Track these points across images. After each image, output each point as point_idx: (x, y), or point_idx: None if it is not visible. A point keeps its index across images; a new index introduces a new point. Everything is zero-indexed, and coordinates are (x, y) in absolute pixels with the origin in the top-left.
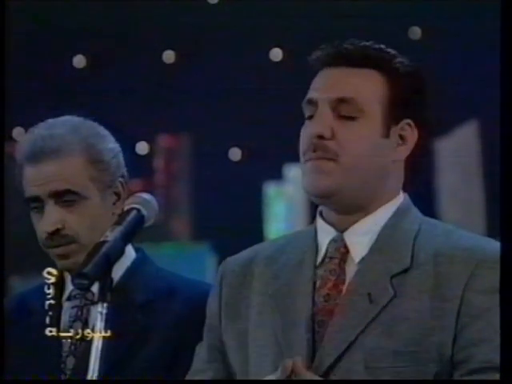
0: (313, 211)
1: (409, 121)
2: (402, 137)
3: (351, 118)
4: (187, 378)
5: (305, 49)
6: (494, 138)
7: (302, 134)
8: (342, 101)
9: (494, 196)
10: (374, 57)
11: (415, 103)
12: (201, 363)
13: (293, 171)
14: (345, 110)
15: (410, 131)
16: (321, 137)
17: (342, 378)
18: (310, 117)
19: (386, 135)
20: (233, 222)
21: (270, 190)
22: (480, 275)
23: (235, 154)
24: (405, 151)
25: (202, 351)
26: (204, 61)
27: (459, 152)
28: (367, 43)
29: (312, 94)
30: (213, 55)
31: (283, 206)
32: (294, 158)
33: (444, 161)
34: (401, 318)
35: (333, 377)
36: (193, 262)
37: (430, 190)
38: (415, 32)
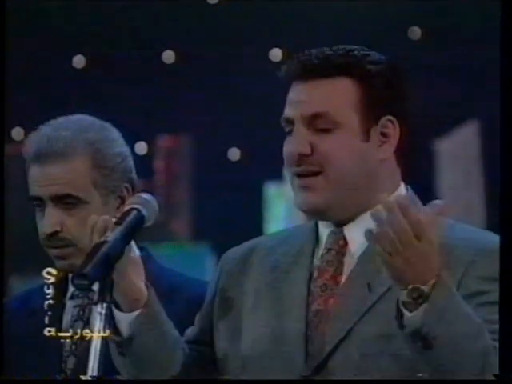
0: None
1: (389, 117)
2: (384, 134)
3: (328, 131)
4: None
5: (305, 49)
6: (494, 138)
7: (284, 149)
8: (315, 116)
9: (494, 196)
10: (341, 64)
11: (393, 98)
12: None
13: None
14: (320, 123)
15: (391, 127)
16: (301, 155)
17: (339, 365)
18: (290, 132)
19: (367, 139)
20: (233, 222)
21: (270, 190)
22: (478, 262)
23: (234, 154)
24: (389, 148)
25: (191, 332)
26: (204, 61)
27: (459, 152)
28: (331, 51)
29: (287, 112)
30: (213, 55)
31: (283, 206)
32: None
33: (444, 161)
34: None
35: (331, 364)
36: (193, 262)
37: (430, 190)
38: (415, 32)
